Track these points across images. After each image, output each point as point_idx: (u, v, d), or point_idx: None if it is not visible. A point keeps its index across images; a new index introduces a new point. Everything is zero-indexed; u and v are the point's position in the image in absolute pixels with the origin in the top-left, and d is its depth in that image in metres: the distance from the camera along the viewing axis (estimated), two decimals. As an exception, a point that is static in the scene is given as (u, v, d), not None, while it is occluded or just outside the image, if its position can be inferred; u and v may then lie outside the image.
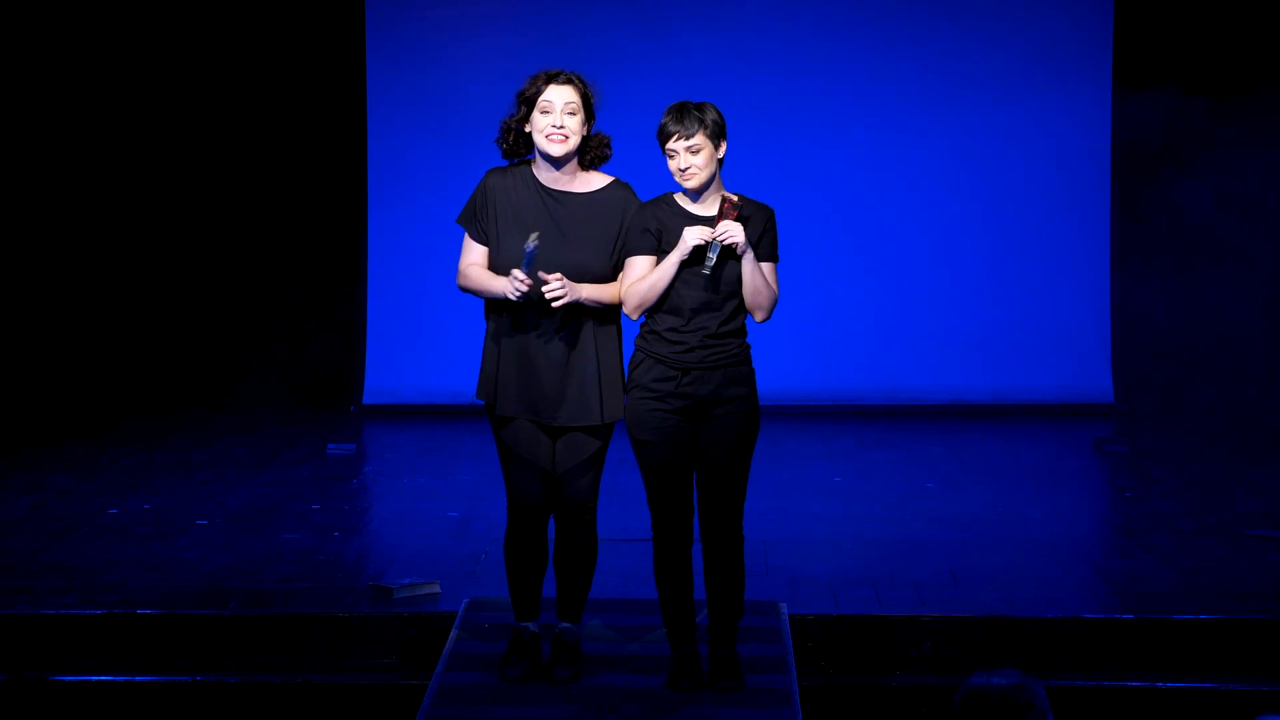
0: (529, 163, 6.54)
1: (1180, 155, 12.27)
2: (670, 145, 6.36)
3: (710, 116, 6.36)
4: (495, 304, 6.50)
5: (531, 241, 6.32)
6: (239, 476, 10.23)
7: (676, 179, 6.39)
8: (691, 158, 6.34)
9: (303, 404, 12.65)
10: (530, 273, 6.33)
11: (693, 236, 6.32)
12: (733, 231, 6.31)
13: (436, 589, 7.65)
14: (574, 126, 6.43)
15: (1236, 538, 8.65)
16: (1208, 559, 8.26)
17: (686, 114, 6.35)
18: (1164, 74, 12.27)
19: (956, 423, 12.12)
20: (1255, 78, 12.25)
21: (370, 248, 12.62)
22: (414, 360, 12.55)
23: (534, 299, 6.37)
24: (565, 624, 6.62)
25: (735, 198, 6.34)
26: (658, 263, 6.38)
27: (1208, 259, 12.40)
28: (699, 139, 6.33)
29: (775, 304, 6.44)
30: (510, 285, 6.34)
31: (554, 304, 6.33)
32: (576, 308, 6.40)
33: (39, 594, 7.64)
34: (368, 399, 12.61)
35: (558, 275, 6.33)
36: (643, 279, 6.37)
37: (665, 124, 6.36)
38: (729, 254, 6.34)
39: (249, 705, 7.03)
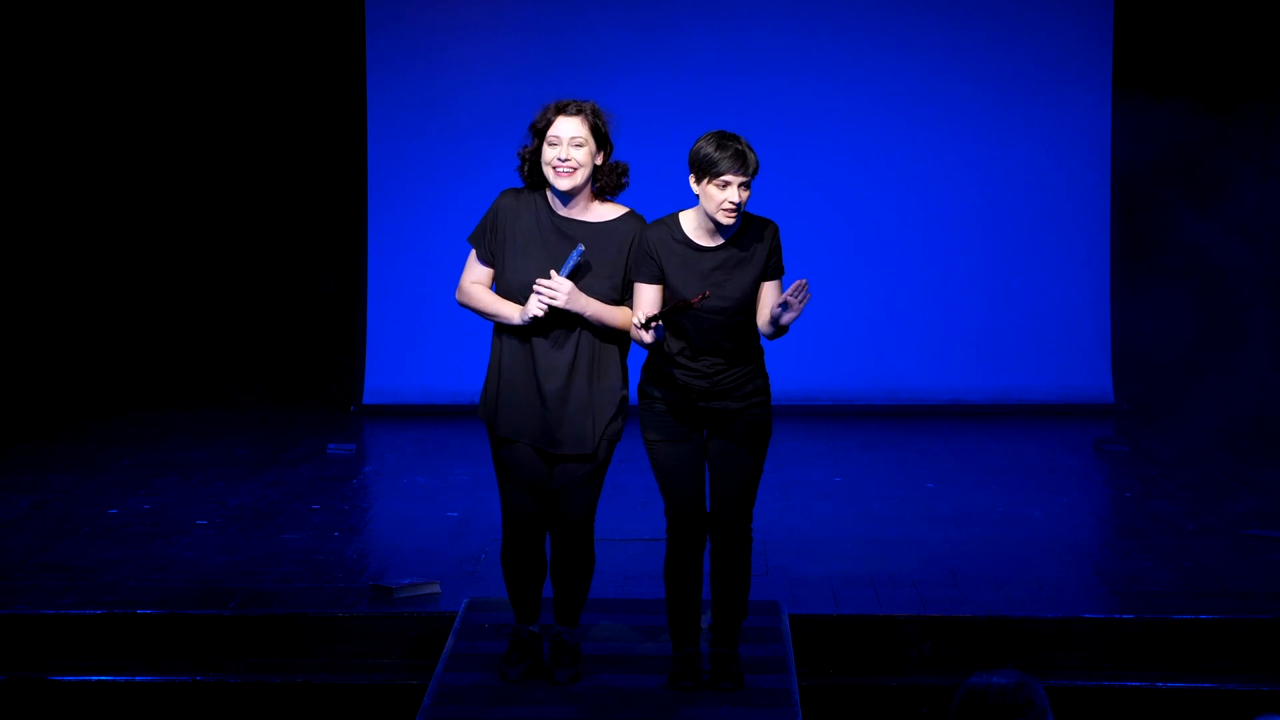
0: (545, 188, 6.48)
1: (1180, 157, 12.28)
2: (729, 177, 6.26)
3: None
4: (502, 326, 6.48)
5: (576, 253, 6.29)
6: (239, 476, 10.23)
7: (717, 211, 6.29)
8: (744, 192, 6.31)
9: (303, 404, 12.65)
10: (566, 276, 6.31)
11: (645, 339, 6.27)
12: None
13: (436, 589, 7.65)
14: (581, 159, 6.36)
15: (1236, 538, 8.65)
16: (1208, 559, 8.26)
17: (749, 156, 6.28)
18: (1164, 78, 12.28)
19: (956, 423, 12.12)
20: (1254, 81, 12.27)
21: (370, 248, 12.62)
22: (414, 360, 12.56)
23: (541, 319, 6.35)
24: (562, 627, 6.62)
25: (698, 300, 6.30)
26: (663, 291, 6.35)
27: (1207, 259, 12.40)
28: (751, 178, 6.32)
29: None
30: (525, 308, 6.30)
31: (553, 303, 6.31)
32: (583, 336, 6.38)
33: (39, 594, 7.64)
34: (368, 399, 12.61)
35: (559, 280, 6.33)
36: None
37: (729, 157, 6.26)
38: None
39: (249, 705, 7.03)
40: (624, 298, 6.42)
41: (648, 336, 6.20)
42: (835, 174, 12.50)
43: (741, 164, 6.27)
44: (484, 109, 12.21)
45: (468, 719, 6.28)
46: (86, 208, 12.66)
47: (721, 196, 6.28)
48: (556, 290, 6.31)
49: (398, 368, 12.61)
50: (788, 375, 11.84)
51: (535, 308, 6.32)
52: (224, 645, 7.31)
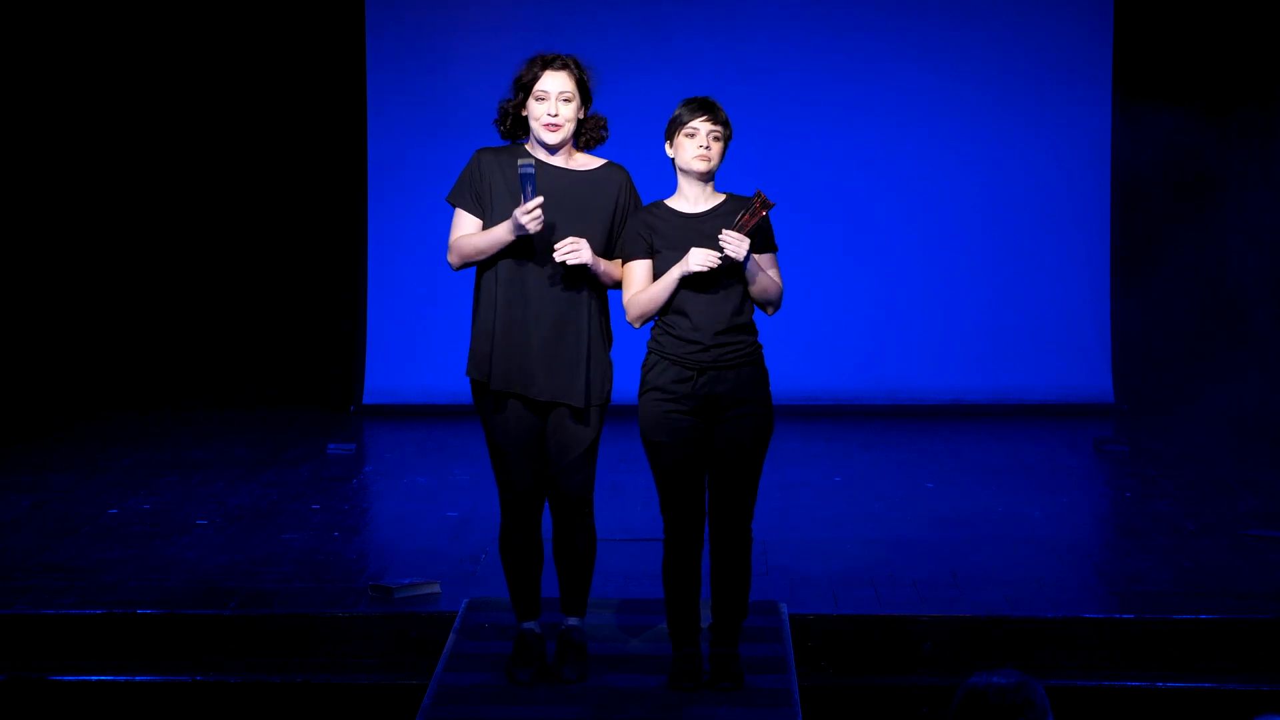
0: (523, 144, 6.54)
1: (1180, 158, 12.28)
2: (696, 123, 6.36)
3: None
4: (487, 278, 6.48)
5: (523, 163, 6.31)
6: (239, 476, 10.23)
7: (688, 160, 6.37)
8: (714, 143, 6.37)
9: (303, 404, 12.65)
10: (531, 195, 6.31)
11: (697, 261, 6.30)
12: (736, 249, 6.30)
13: (436, 589, 7.65)
14: (569, 114, 6.43)
15: (1236, 538, 8.65)
16: (1208, 559, 8.26)
17: (716, 104, 6.41)
18: (1164, 78, 12.29)
19: (956, 423, 12.11)
20: (1254, 82, 12.28)
21: (370, 248, 12.62)
22: (414, 360, 12.55)
23: (535, 262, 6.36)
24: (571, 620, 6.62)
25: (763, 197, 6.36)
26: (654, 266, 6.39)
27: (1207, 259, 12.40)
28: (721, 129, 6.36)
29: (782, 295, 6.48)
30: (515, 219, 6.29)
31: (568, 259, 6.31)
32: (572, 282, 6.40)
33: (39, 594, 7.64)
34: (368, 399, 12.61)
35: (572, 239, 6.34)
36: (644, 290, 6.38)
37: (692, 106, 6.38)
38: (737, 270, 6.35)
39: (249, 705, 7.04)
40: (612, 251, 6.48)
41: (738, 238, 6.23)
42: (835, 174, 12.50)
43: (707, 109, 6.37)
44: (484, 109, 12.13)
45: (468, 719, 6.28)
46: (87, 208, 12.66)
47: (691, 145, 6.36)
48: (578, 249, 6.32)
49: (398, 368, 12.61)
50: (788, 375, 11.81)
51: (530, 223, 6.29)
52: (224, 645, 7.31)
